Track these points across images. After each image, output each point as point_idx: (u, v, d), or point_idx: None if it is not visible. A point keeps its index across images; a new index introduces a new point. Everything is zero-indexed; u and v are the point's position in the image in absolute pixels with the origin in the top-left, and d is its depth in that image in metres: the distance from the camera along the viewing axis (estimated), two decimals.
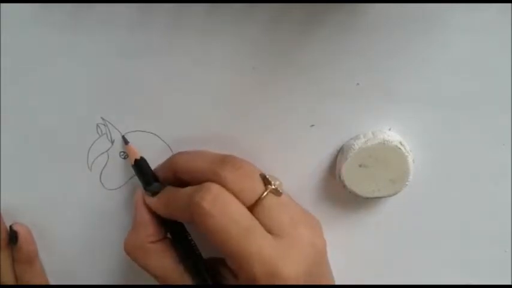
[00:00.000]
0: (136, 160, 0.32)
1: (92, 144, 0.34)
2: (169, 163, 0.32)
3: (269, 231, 0.27)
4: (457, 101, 0.31)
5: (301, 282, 0.27)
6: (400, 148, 0.31)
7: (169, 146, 0.33)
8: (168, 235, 0.32)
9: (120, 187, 0.35)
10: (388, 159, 0.31)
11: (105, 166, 0.34)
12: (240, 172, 0.28)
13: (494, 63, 0.30)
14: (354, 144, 0.31)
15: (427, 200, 0.34)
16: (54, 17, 0.30)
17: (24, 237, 0.35)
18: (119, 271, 0.37)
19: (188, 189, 0.29)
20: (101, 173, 0.34)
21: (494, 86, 0.31)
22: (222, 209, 0.26)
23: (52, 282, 0.37)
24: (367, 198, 0.32)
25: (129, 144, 0.33)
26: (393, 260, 0.36)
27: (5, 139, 0.34)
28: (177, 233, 0.32)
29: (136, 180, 0.34)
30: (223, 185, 0.28)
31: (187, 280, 0.30)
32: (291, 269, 0.26)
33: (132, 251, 0.31)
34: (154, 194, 0.31)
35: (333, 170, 0.33)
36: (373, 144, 0.31)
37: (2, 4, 0.30)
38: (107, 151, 0.34)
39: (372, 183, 0.31)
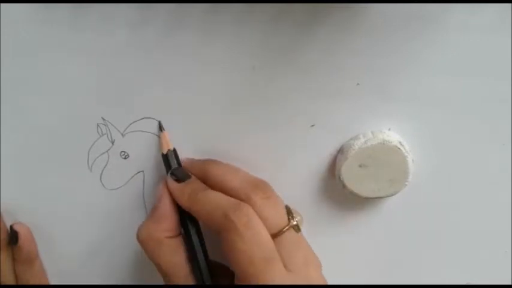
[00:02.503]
0: (169, 150, 0.32)
1: (92, 145, 0.34)
2: (202, 167, 0.32)
3: (283, 265, 0.28)
4: (457, 101, 0.31)
5: None
6: (399, 148, 0.31)
7: None
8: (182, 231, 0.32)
9: (120, 187, 0.35)
10: (388, 159, 0.31)
11: (105, 166, 0.34)
12: (269, 201, 0.29)
13: (494, 63, 0.30)
14: (354, 144, 0.31)
15: (427, 200, 0.34)
16: (54, 17, 0.30)
17: (25, 237, 0.35)
18: (119, 271, 0.37)
19: (222, 199, 0.29)
20: (101, 173, 0.34)
21: (494, 86, 0.31)
22: (253, 234, 0.27)
23: (52, 282, 0.37)
24: (367, 198, 0.32)
25: (164, 132, 0.33)
26: (393, 260, 0.36)
27: (5, 139, 0.34)
28: (193, 231, 0.31)
29: (136, 180, 0.34)
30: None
31: (191, 281, 0.30)
32: None
33: (146, 242, 0.30)
34: (178, 181, 0.31)
35: (333, 170, 0.33)
36: (373, 144, 0.31)
37: (2, 4, 0.30)
38: (107, 151, 0.34)
39: (372, 183, 0.32)
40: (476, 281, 0.36)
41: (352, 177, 0.31)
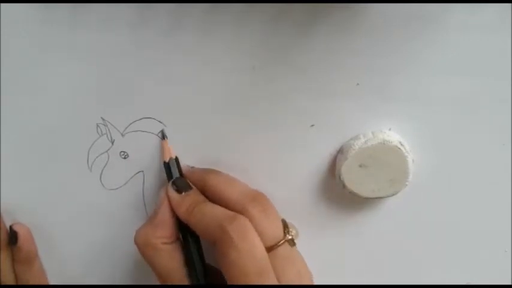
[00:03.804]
0: (170, 158, 0.32)
1: (92, 144, 0.34)
2: (201, 176, 0.32)
3: (276, 279, 0.28)
4: (457, 101, 0.31)
5: None
6: (400, 148, 0.31)
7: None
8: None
9: (120, 187, 0.35)
10: (388, 159, 0.31)
11: (105, 166, 0.34)
12: (266, 214, 0.29)
13: (494, 63, 0.30)
14: (354, 144, 0.31)
15: (427, 200, 0.34)
16: (54, 17, 0.30)
17: (24, 237, 0.35)
18: (119, 271, 0.37)
19: (219, 211, 0.29)
20: (101, 173, 0.34)
21: (494, 86, 0.31)
22: (248, 246, 0.27)
23: (52, 282, 0.37)
24: (367, 198, 0.32)
25: (166, 139, 0.33)
26: (393, 260, 0.36)
27: (5, 139, 0.34)
28: (191, 238, 0.31)
29: (136, 180, 0.34)
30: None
31: (186, 283, 0.30)
32: None
33: (143, 246, 0.31)
34: (179, 191, 0.31)
35: (333, 170, 0.33)
36: (373, 144, 0.31)
37: (2, 4, 0.30)
38: (107, 151, 0.34)
39: (372, 183, 0.31)
40: (476, 281, 0.36)
41: (352, 177, 0.31)
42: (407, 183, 0.32)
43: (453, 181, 0.33)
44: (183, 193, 0.31)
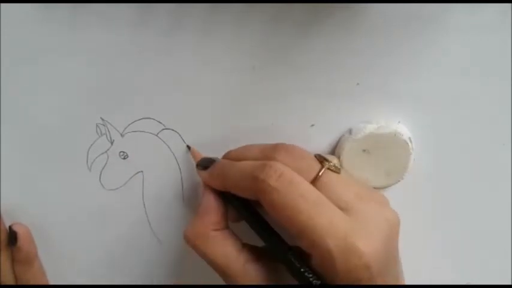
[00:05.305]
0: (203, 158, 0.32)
1: (91, 145, 0.34)
2: (223, 161, 0.31)
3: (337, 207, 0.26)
4: (456, 101, 0.31)
5: (380, 258, 0.25)
6: (408, 144, 0.30)
7: (168, 146, 0.33)
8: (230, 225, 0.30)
9: (119, 187, 0.35)
10: (393, 151, 0.31)
11: (104, 166, 0.34)
12: (294, 154, 0.28)
13: (494, 63, 0.30)
14: (366, 127, 0.31)
15: (427, 199, 0.34)
16: (54, 17, 0.30)
17: (24, 237, 0.34)
18: (119, 271, 0.37)
19: (247, 164, 0.28)
20: (101, 174, 0.34)
21: (494, 86, 0.31)
22: (288, 185, 0.25)
23: (52, 282, 0.37)
24: None
25: (192, 147, 0.33)
26: None
27: (5, 139, 0.34)
28: (250, 212, 0.29)
29: (135, 180, 0.34)
30: None
31: (250, 269, 0.28)
32: (368, 244, 0.24)
33: (193, 239, 0.29)
34: (206, 168, 0.30)
35: None
36: (384, 133, 0.30)
37: (2, 4, 0.30)
38: (106, 151, 0.34)
39: (367, 173, 0.31)
40: (476, 281, 0.36)
41: (352, 159, 0.31)
42: (400, 179, 0.31)
43: (453, 181, 0.33)
44: (211, 166, 0.30)
